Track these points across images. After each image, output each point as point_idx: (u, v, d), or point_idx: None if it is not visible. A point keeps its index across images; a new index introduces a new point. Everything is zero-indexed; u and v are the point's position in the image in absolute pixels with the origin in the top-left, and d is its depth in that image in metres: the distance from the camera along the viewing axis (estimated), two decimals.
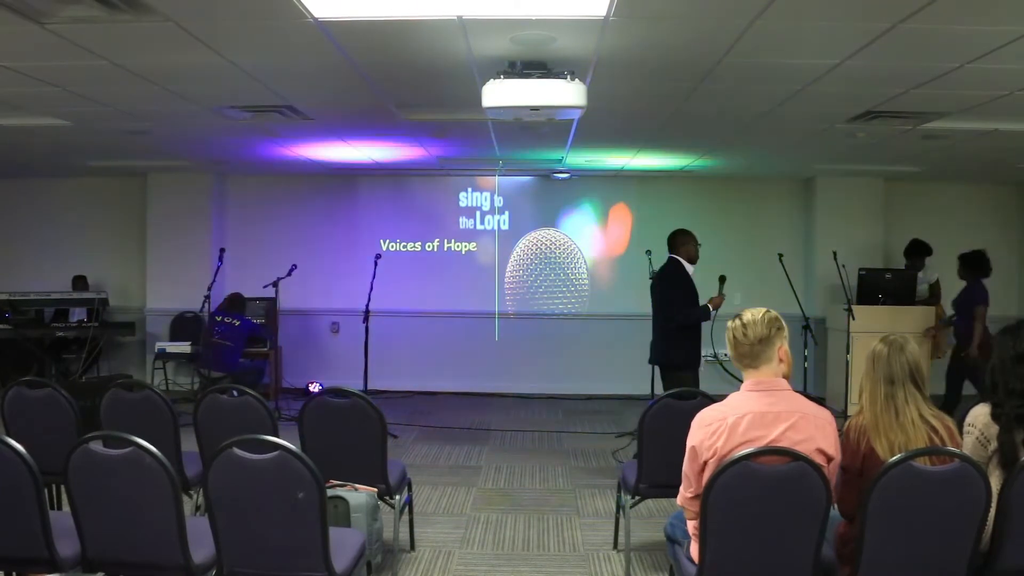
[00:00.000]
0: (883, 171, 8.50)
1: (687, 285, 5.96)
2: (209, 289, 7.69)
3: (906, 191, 9.15)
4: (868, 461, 2.82)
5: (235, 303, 8.20)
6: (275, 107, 5.52)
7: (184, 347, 8.53)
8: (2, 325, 8.13)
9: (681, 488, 2.92)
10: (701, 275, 5.99)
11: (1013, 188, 9.34)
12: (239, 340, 7.95)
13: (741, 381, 2.89)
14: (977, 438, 3.00)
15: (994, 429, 2.95)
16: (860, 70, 4.30)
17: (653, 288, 6.27)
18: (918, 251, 8.14)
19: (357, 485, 3.91)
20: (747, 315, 2.84)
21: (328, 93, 5.24)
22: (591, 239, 9.58)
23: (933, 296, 8.20)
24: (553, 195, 9.58)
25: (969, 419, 3.07)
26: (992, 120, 5.54)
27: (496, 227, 9.59)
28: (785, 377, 2.83)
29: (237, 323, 7.97)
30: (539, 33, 3.80)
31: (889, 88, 4.78)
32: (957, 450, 2.75)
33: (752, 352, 2.79)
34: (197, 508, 4.13)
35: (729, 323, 2.88)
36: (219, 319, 7.96)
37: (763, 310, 2.86)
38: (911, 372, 2.87)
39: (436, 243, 9.61)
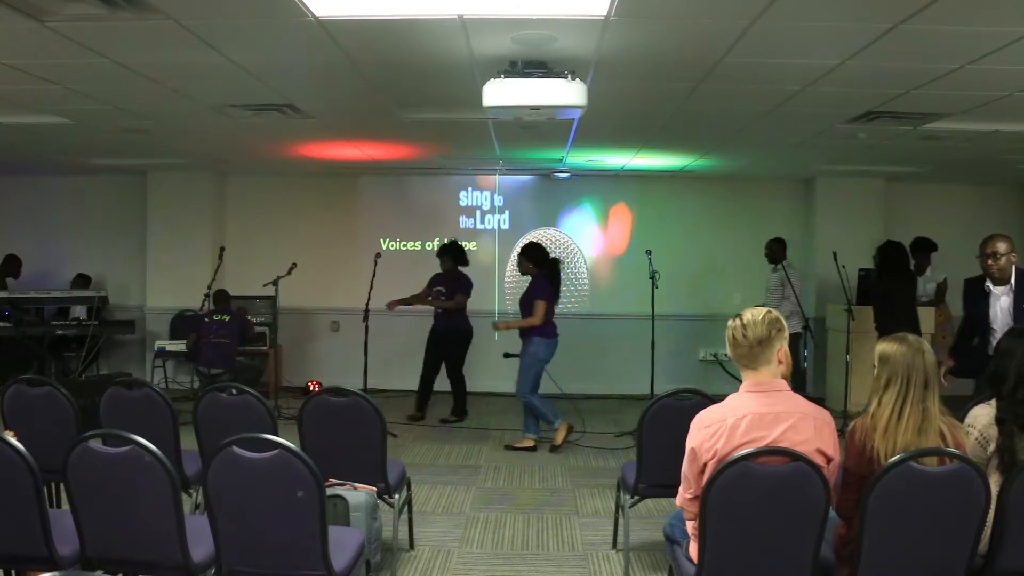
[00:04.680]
0: (883, 171, 8.49)
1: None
2: (209, 287, 7.68)
3: (906, 191, 9.14)
4: (874, 465, 2.77)
5: (220, 299, 8.14)
6: (276, 106, 5.52)
7: (184, 345, 8.51)
8: (2, 323, 8.12)
9: (680, 489, 2.92)
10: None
11: (1013, 188, 9.33)
12: (234, 335, 7.93)
13: (740, 381, 2.88)
14: (976, 439, 2.99)
15: (994, 431, 2.94)
16: (860, 71, 4.30)
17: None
18: (922, 249, 8.13)
19: (356, 484, 3.91)
20: (747, 315, 2.83)
21: (328, 92, 5.23)
22: (591, 239, 9.58)
23: (939, 296, 8.21)
24: (553, 195, 9.58)
25: (969, 419, 3.06)
26: (993, 121, 5.54)
27: (496, 226, 9.59)
28: (785, 378, 2.83)
29: (228, 318, 7.94)
30: (540, 33, 3.80)
31: (889, 89, 4.78)
32: (956, 451, 2.74)
33: (751, 353, 2.78)
34: (196, 507, 4.13)
35: (729, 323, 2.86)
36: (207, 319, 7.92)
37: (763, 310, 2.84)
38: (926, 375, 2.79)
39: (436, 242, 9.56)
